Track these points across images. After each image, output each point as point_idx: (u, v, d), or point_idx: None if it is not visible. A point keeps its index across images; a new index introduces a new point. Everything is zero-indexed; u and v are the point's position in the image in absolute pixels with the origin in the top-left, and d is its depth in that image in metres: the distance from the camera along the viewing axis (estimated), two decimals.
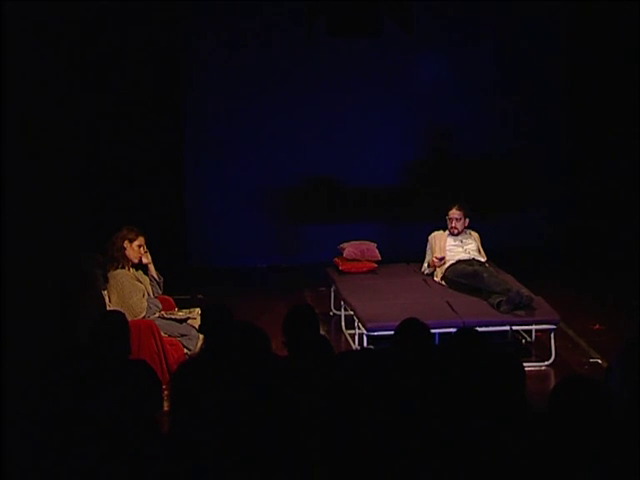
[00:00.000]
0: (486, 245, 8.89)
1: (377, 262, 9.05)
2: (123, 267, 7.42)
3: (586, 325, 8.66)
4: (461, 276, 8.36)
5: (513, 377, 4.29)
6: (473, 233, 8.89)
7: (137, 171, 10.44)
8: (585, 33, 10.82)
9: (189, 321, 7.46)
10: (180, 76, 10.66)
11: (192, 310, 7.61)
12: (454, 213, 8.74)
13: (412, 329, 5.13)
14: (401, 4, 10.49)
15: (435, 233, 8.87)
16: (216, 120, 10.85)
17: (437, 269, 8.68)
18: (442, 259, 8.57)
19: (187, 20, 10.58)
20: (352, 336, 8.12)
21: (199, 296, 9.36)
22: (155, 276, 7.70)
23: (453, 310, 7.81)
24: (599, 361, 7.77)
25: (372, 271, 9.00)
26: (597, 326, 8.63)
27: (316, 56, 10.79)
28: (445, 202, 8.96)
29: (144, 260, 7.58)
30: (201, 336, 7.00)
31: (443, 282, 8.57)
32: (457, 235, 8.75)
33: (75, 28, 8.95)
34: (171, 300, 7.83)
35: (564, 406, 3.71)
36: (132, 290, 7.36)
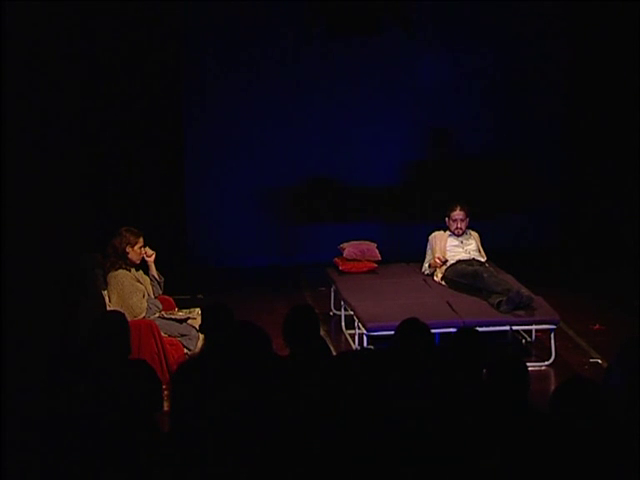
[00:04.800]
0: (486, 245, 8.89)
1: (377, 262, 9.04)
2: (123, 268, 7.43)
3: (586, 325, 8.65)
4: (461, 276, 8.36)
5: (518, 379, 4.30)
6: (473, 233, 8.89)
7: (137, 171, 10.44)
8: (585, 32, 10.81)
9: (189, 321, 7.46)
10: (180, 76, 10.66)
11: (192, 310, 7.61)
12: (458, 214, 8.71)
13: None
14: (401, 4, 10.49)
15: (435, 233, 8.86)
16: (216, 120, 10.84)
17: (437, 269, 8.68)
18: (445, 262, 8.56)
19: (187, 20, 10.58)
20: (352, 336, 8.11)
21: (199, 296, 9.36)
22: (156, 276, 7.71)
23: (453, 310, 7.81)
24: (599, 361, 7.77)
25: (372, 271, 8.99)
26: (597, 326, 8.63)
27: (316, 56, 10.79)
28: (445, 202, 8.95)
29: (147, 256, 7.60)
30: (201, 336, 7.00)
31: (443, 282, 8.57)
32: (459, 235, 8.74)
33: (75, 27, 8.95)
34: (171, 300, 7.83)
35: (565, 407, 3.72)
36: (132, 290, 7.36)
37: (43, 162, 7.05)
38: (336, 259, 9.10)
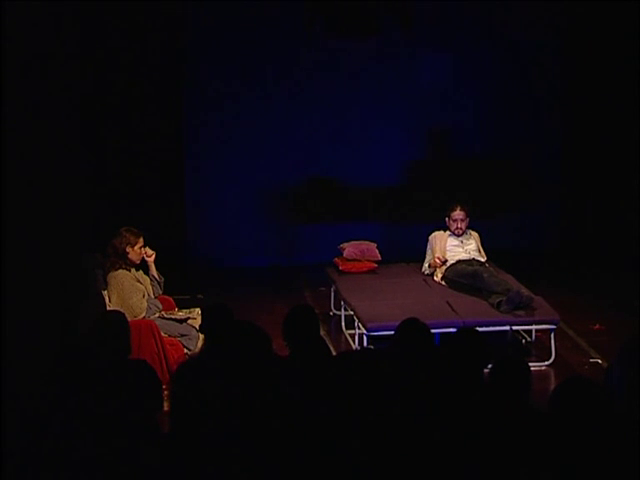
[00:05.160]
0: (486, 245, 8.89)
1: (377, 262, 9.04)
2: (123, 268, 7.43)
3: (586, 325, 8.65)
4: (461, 276, 8.36)
5: (521, 380, 4.30)
6: (473, 233, 8.89)
7: (137, 171, 10.44)
8: (585, 33, 10.82)
9: (189, 321, 7.47)
10: (180, 76, 10.67)
11: (192, 310, 7.62)
12: (458, 214, 8.71)
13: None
14: (401, 3, 10.49)
15: (436, 233, 8.86)
16: (216, 120, 10.85)
17: (437, 269, 8.68)
18: (445, 262, 8.56)
19: (187, 20, 10.58)
20: (352, 336, 8.12)
21: (199, 296, 9.36)
22: (156, 276, 7.71)
23: (453, 310, 7.81)
24: (599, 361, 7.77)
25: (372, 271, 8.99)
26: (597, 326, 8.63)
27: (316, 56, 10.79)
28: (445, 202, 8.95)
29: (147, 256, 7.60)
30: (201, 336, 7.00)
31: (443, 282, 8.57)
32: (459, 235, 8.74)
33: (75, 28, 8.94)
34: (171, 300, 7.83)
35: (564, 407, 3.72)
36: (132, 290, 7.36)
37: (43, 162, 7.04)
38: (336, 259, 9.10)
